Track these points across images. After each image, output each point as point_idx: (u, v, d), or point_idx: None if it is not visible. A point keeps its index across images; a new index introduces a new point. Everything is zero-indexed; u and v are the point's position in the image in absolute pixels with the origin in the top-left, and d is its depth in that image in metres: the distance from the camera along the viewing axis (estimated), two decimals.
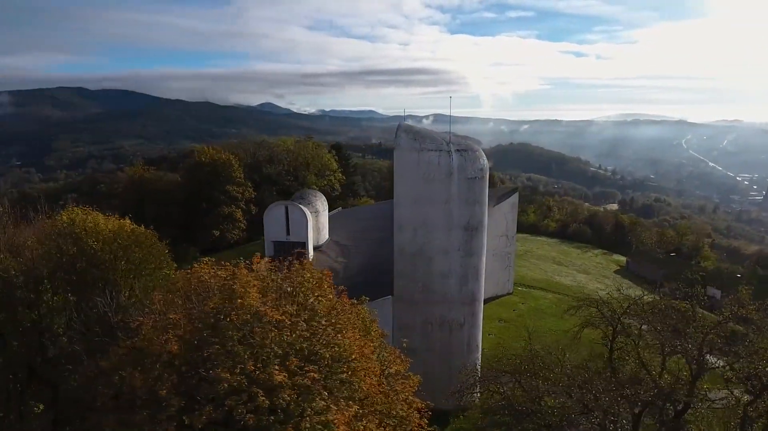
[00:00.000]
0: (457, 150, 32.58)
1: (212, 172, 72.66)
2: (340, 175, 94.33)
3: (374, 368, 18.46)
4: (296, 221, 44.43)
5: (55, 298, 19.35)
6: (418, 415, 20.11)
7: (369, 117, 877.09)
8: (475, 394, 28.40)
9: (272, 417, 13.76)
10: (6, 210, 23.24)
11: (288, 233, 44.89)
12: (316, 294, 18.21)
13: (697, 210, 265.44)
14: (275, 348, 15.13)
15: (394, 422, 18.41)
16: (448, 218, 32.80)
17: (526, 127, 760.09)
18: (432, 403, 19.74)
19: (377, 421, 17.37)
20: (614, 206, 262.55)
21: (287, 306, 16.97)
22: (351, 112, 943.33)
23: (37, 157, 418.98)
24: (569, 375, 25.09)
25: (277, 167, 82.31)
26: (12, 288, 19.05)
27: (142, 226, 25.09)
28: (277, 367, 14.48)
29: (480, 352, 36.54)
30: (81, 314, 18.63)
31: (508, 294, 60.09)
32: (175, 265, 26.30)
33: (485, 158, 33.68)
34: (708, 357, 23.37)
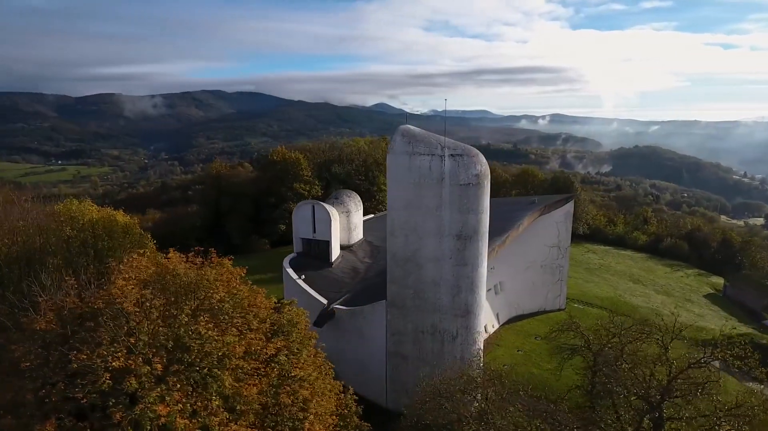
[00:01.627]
0: (452, 155, 31.34)
1: (282, 170, 77.43)
2: None
3: (262, 369, 18.88)
4: (321, 220, 45.93)
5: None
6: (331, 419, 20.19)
7: (481, 117, 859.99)
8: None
9: (113, 400, 14.97)
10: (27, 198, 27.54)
11: (314, 231, 46.60)
12: (219, 292, 19.09)
13: None
14: (142, 337, 16.35)
15: (282, 423, 18.69)
16: (440, 225, 31.72)
17: (655, 128, 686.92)
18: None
19: (253, 421, 17.82)
20: (759, 221, 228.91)
21: (183, 303, 18.14)
22: (463, 112, 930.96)
23: (180, 152, 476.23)
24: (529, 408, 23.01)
25: (346, 167, 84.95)
26: None
27: (134, 218, 28.04)
28: (134, 356, 15.69)
29: (475, 368, 34.61)
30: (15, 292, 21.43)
31: (559, 310, 55.87)
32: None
33: (483, 165, 31.90)
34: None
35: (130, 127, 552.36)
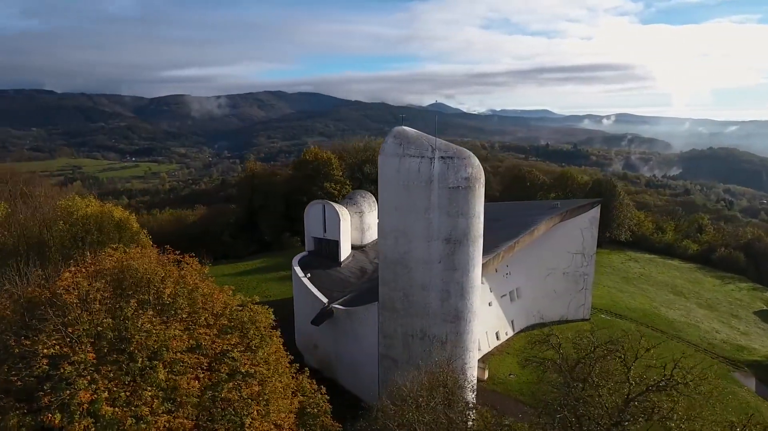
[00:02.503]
0: (441, 157, 30.80)
1: (314, 169, 78.98)
2: None
3: (206, 363, 19.49)
4: (330, 219, 46.56)
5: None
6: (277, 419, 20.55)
7: (541, 117, 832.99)
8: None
9: (48, 384, 16.07)
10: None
11: (324, 230, 47.29)
12: (168, 287, 19.94)
13: None
14: (84, 326, 17.42)
15: (224, 418, 19.22)
16: (428, 228, 31.24)
17: (733, 128, 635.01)
18: None
19: (192, 414, 18.46)
20: None
21: (132, 297, 19.14)
22: (522, 111, 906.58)
23: (241, 150, 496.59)
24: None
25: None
26: None
27: (131, 214, 29.73)
28: (71, 344, 16.76)
29: (468, 376, 33.79)
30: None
31: (582, 320, 53.39)
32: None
33: (474, 167, 31.06)
34: None
35: (197, 127, 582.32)
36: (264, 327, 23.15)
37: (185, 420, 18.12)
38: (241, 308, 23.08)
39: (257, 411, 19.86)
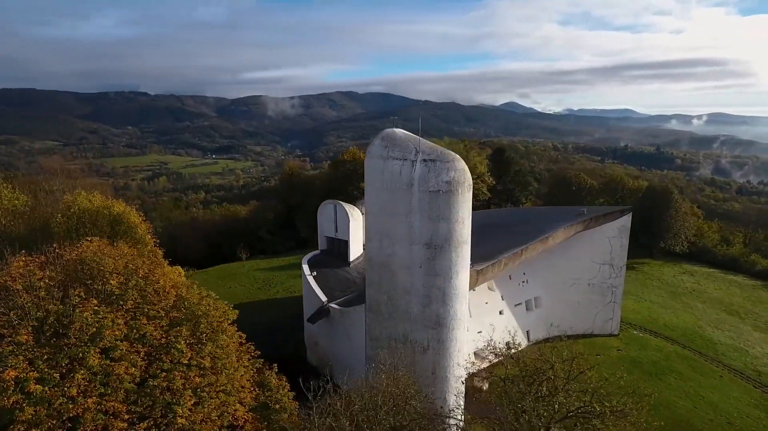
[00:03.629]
0: (424, 160, 30.29)
1: (351, 169, 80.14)
2: (489, 179, 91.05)
3: (142, 352, 20.70)
4: (341, 220, 47.17)
5: None
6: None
7: (623, 117, 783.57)
8: None
9: None
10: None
11: (336, 230, 47.99)
12: (115, 280, 21.40)
13: None
14: (32, 312, 19.19)
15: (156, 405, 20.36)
16: (410, 232, 30.84)
17: None
18: None
19: (124, 398, 19.74)
20: None
21: (80, 286, 20.79)
22: (602, 111, 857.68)
23: (312, 149, 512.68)
24: None
25: None
26: None
27: (134, 210, 32.04)
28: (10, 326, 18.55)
29: (449, 384, 32.93)
30: None
31: (610, 335, 50.09)
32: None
33: (457, 171, 30.19)
34: None
35: (273, 126, 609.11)
36: (217, 322, 24.07)
37: (117, 404, 19.36)
38: (197, 303, 24.08)
39: (193, 401, 20.71)
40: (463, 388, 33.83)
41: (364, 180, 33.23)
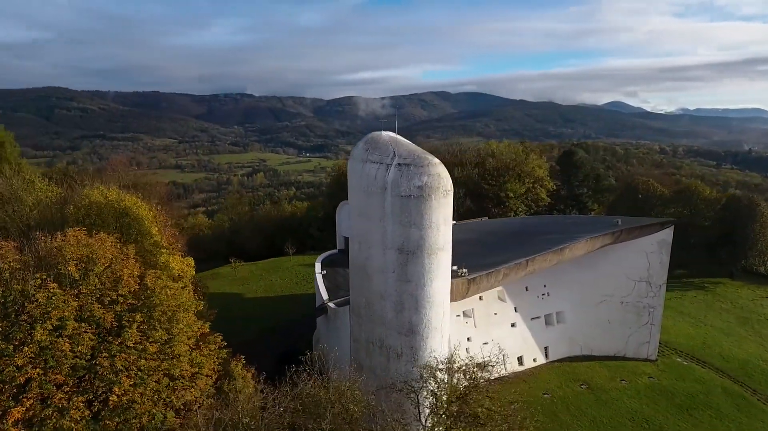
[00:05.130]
0: (398, 164, 29.87)
1: None
2: (549, 183, 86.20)
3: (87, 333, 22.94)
4: None
5: None
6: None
7: (751, 117, 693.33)
8: None
9: None
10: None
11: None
12: (72, 267, 23.88)
13: None
14: (16, 286, 22.19)
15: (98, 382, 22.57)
16: (383, 237, 30.61)
17: None
18: None
19: (66, 372, 22.13)
20: None
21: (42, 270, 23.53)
22: (724, 111, 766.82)
23: None
24: None
25: (469, 170, 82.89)
26: None
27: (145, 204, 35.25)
28: None
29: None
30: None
31: (645, 360, 45.45)
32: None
33: (431, 176, 29.32)
34: None
35: (364, 125, 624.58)
36: (172, 311, 25.82)
37: (59, 376, 21.74)
38: (157, 293, 25.98)
39: (128, 383, 22.57)
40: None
41: (348, 184, 33.47)
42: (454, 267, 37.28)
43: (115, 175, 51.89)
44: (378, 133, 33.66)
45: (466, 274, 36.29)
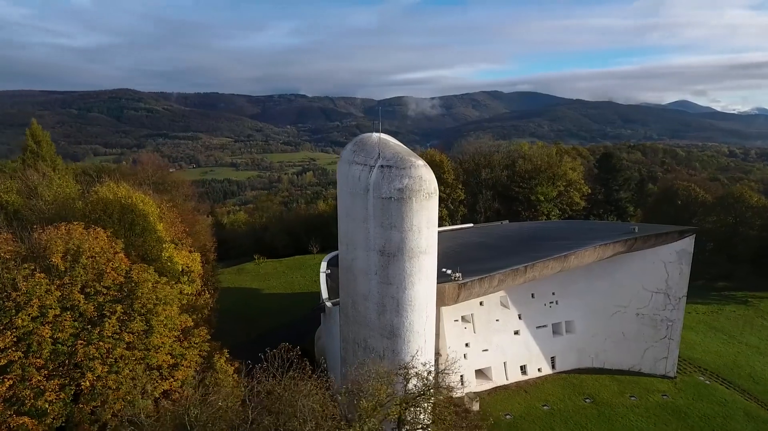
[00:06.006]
0: (381, 166, 29.77)
1: None
2: (584, 187, 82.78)
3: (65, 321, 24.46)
4: None
5: None
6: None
7: None
8: None
9: None
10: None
11: None
12: (56, 258, 25.55)
13: None
14: (7, 275, 24.11)
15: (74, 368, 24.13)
16: (366, 238, 30.64)
17: None
18: None
19: (44, 356, 23.79)
20: None
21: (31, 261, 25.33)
22: None
23: (447, 149, 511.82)
24: None
25: (497, 172, 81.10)
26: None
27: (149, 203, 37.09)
28: None
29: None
30: None
31: (663, 376, 42.86)
32: None
33: (412, 179, 28.92)
34: None
35: (414, 125, 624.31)
36: (152, 304, 27.06)
37: (39, 360, 23.37)
38: (140, 286, 27.31)
39: (95, 368, 23.92)
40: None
41: (337, 185, 33.69)
42: (448, 271, 36.80)
43: (144, 173, 54.71)
44: (368, 134, 33.63)
45: (460, 278, 35.62)
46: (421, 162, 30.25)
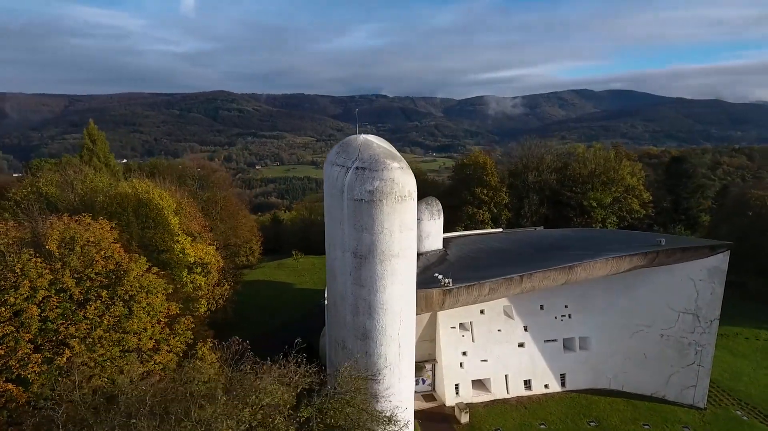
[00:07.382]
0: (357, 167, 29.81)
1: (471, 174, 78.22)
2: (645, 194, 76.33)
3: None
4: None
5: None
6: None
7: None
8: None
9: None
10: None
11: None
12: (52, 245, 28.46)
13: None
14: (9, 259, 27.52)
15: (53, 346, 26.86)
16: (342, 239, 30.86)
17: None
18: None
19: (32, 331, 26.75)
20: None
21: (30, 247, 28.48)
22: None
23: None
24: None
25: (545, 175, 77.15)
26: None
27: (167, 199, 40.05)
28: None
29: (381, 404, 31.30)
30: None
31: (691, 407, 38.69)
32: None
33: (384, 181, 28.62)
34: None
35: (495, 126, 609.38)
36: (136, 291, 29.31)
37: (28, 335, 26.29)
38: (125, 273, 29.68)
39: (75, 348, 26.38)
40: (387, 412, 31.74)
41: (324, 186, 34.17)
42: (440, 276, 35.85)
43: (187, 170, 58.87)
44: (354, 136, 33.67)
45: (449, 285, 34.61)
46: (396, 164, 29.77)
